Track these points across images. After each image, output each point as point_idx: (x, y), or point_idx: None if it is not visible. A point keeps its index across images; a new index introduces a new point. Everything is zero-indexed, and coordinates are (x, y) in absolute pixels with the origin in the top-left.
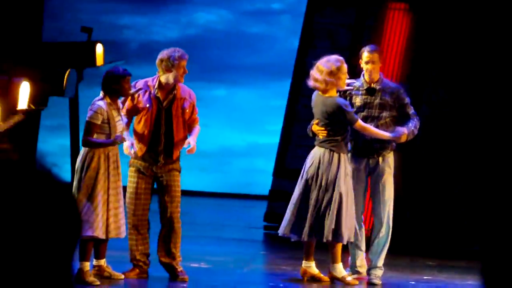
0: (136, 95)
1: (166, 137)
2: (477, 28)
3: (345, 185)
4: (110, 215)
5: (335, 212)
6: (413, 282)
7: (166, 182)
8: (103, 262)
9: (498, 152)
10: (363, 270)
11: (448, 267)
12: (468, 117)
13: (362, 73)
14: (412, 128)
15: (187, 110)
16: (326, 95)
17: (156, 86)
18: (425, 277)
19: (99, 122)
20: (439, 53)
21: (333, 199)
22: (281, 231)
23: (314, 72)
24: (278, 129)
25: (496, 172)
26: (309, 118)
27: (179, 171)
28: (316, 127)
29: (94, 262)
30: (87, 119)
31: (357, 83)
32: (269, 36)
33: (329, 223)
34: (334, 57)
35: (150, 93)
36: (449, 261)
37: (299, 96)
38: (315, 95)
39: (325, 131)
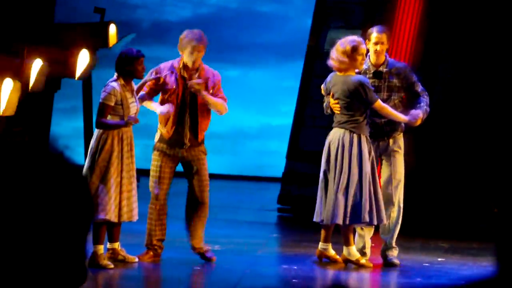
0: (162, 77)
1: (191, 118)
2: (490, 6)
3: (369, 166)
4: (123, 198)
5: (367, 194)
6: (427, 264)
7: (195, 167)
8: (117, 245)
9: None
10: (369, 251)
11: (461, 248)
12: (482, 96)
13: (368, 55)
14: (425, 107)
15: (211, 91)
16: (346, 74)
17: (181, 67)
18: (439, 259)
19: (112, 104)
20: (452, 32)
21: (363, 181)
22: (315, 217)
23: (332, 51)
24: (291, 110)
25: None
26: (322, 99)
27: (205, 154)
28: (332, 101)
29: (108, 245)
30: (100, 100)
31: (363, 66)
32: (281, 16)
33: (363, 205)
34: (352, 37)
35: (176, 74)
36: (462, 243)
37: (312, 77)
38: (333, 75)
39: (339, 106)
